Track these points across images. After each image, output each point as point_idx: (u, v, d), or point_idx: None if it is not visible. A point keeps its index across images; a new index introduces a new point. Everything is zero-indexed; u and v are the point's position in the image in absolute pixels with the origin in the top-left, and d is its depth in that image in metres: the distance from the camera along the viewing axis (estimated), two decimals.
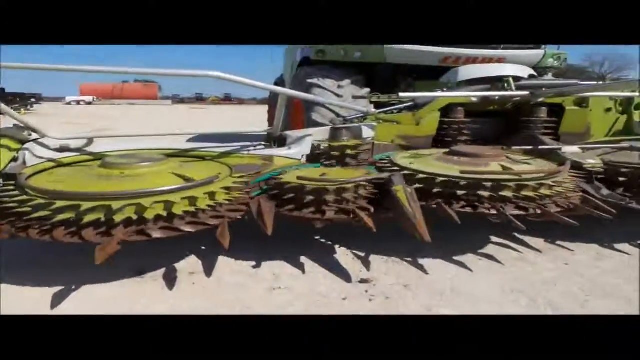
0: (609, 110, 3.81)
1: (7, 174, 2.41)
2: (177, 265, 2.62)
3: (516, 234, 3.08)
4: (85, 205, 1.99)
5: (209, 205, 2.24)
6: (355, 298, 2.25)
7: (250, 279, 2.47)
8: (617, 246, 2.91)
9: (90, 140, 2.86)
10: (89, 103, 39.86)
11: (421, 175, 2.53)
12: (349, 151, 2.90)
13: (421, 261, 2.68)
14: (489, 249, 2.90)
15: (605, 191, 2.65)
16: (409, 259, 2.71)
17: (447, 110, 3.54)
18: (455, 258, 2.73)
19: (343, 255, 2.81)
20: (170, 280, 2.44)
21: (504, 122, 3.85)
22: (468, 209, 2.41)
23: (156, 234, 2.06)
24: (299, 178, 2.40)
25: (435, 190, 2.48)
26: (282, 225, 2.40)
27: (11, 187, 2.23)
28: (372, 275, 2.52)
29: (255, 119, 15.20)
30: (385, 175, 2.47)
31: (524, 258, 2.75)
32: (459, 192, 2.41)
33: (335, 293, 2.30)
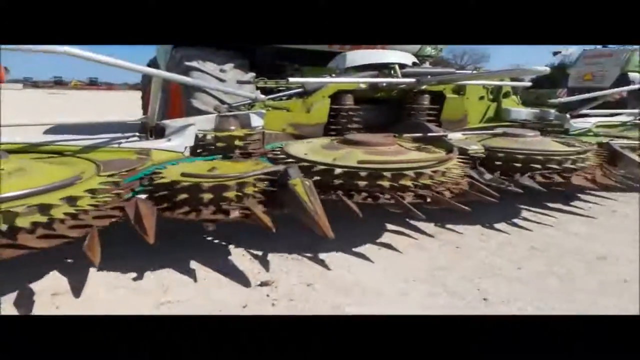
0: (482, 98, 4.09)
1: None
2: (34, 286, 2.13)
3: (409, 220, 3.14)
4: None
5: (67, 214, 1.80)
6: (257, 304, 2.04)
7: (132, 293, 2.11)
8: (497, 226, 3.12)
9: None
10: None
11: (320, 167, 2.38)
12: (238, 142, 2.63)
13: (322, 256, 2.57)
14: (387, 237, 2.90)
15: (487, 175, 2.79)
16: (309, 255, 2.58)
17: (336, 97, 3.46)
18: (355, 250, 2.67)
19: (239, 256, 2.57)
20: (25, 305, 1.97)
21: (390, 109, 3.91)
22: (370, 200, 2.33)
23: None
24: (184, 175, 2.09)
25: (335, 182, 2.35)
26: (166, 226, 2.09)
27: None
28: (272, 276, 2.33)
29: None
30: (281, 167, 2.27)
31: (420, 245, 2.79)
32: (361, 183, 2.31)
33: (234, 300, 2.06)
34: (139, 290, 2.14)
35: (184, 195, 2.03)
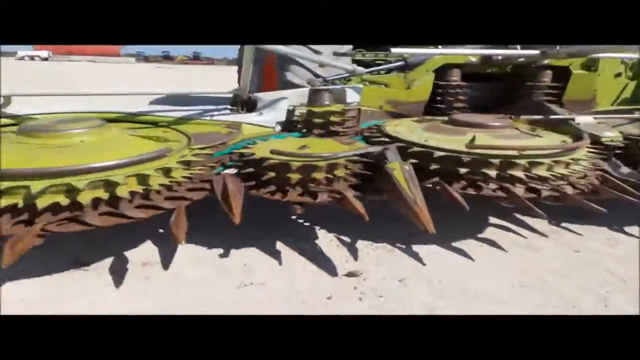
0: (618, 75, 3.43)
1: None
2: (129, 255, 2.18)
3: (516, 215, 2.76)
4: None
5: (162, 185, 1.78)
6: (342, 296, 1.89)
7: (217, 273, 2.06)
8: (627, 229, 2.62)
9: (7, 99, 2.28)
10: (45, 59, 36.85)
11: (416, 149, 2.12)
12: (332, 118, 2.44)
13: (415, 248, 2.33)
14: (489, 233, 2.57)
15: (624, 169, 2.32)
16: (402, 246, 2.35)
17: (441, 71, 3.10)
18: (454, 245, 2.39)
19: (327, 241, 2.43)
20: (119, 272, 2.01)
21: (501, 87, 3.45)
22: (471, 190, 2.03)
23: (95, 222, 1.61)
24: (273, 152, 1.95)
25: (432, 166, 2.07)
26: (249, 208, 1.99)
27: None
28: (360, 266, 2.16)
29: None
30: (378, 148, 2.04)
31: (529, 244, 2.43)
32: (461, 170, 2.02)
33: (319, 291, 1.92)
34: (222, 269, 2.09)
35: (271, 174, 1.90)
